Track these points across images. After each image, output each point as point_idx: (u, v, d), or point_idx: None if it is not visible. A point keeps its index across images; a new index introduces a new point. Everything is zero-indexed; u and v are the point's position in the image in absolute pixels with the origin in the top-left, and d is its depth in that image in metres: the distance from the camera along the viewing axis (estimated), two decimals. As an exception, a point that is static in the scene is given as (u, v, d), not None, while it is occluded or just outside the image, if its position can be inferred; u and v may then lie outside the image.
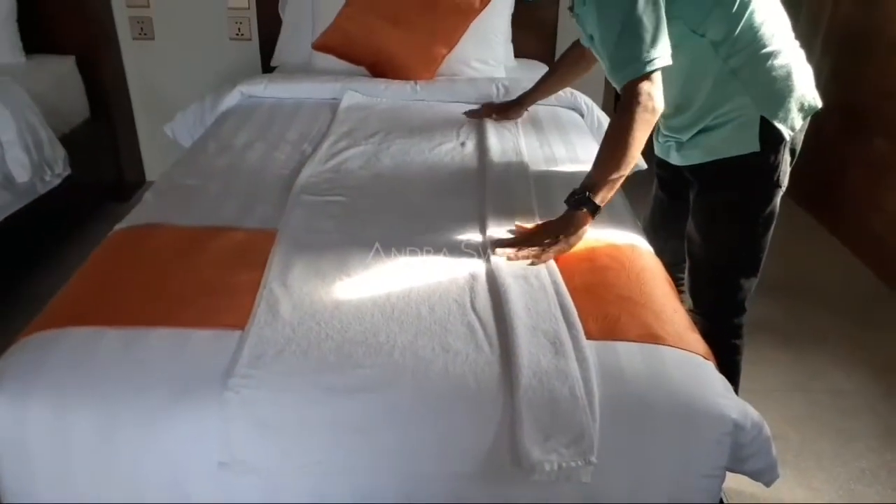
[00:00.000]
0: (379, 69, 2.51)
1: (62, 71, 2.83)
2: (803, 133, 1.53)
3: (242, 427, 1.08)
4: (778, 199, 1.54)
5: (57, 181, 2.51)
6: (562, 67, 2.02)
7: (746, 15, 1.40)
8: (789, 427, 1.96)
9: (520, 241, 1.44)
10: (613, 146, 1.40)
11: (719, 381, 1.17)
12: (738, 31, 1.40)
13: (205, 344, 1.17)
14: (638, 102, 1.34)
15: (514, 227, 1.51)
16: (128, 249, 1.47)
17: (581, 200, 1.42)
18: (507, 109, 2.16)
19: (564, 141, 2.06)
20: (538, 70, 2.79)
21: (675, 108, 1.50)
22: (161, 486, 1.11)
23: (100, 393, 1.10)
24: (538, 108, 2.28)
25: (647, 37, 1.32)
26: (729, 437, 1.10)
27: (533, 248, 1.40)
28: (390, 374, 1.11)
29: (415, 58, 2.49)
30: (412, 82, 2.43)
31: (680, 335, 1.23)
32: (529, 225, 1.50)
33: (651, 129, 1.39)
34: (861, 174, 2.86)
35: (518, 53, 2.83)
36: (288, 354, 1.14)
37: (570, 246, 1.43)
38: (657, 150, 1.71)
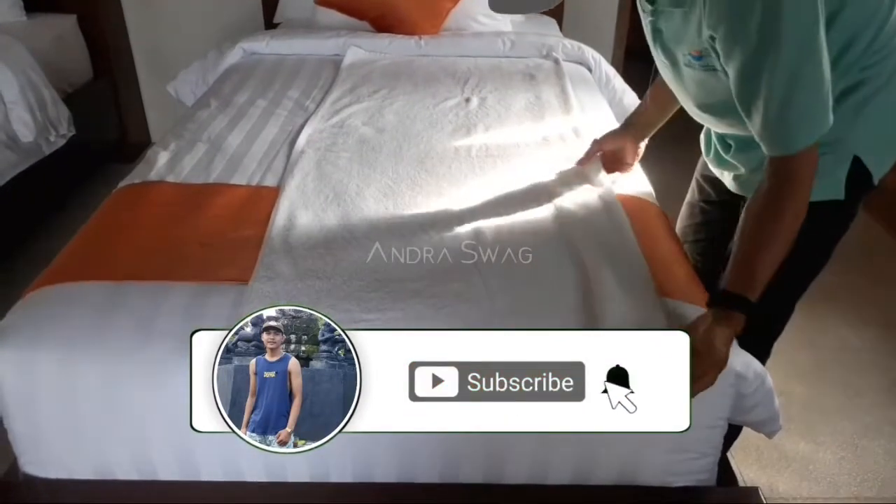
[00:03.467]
0: (383, 24, 2.47)
1: (63, 30, 2.80)
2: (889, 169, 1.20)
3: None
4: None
5: (62, 142, 2.51)
6: (660, 98, 1.44)
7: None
8: (796, 382, 1.96)
9: None
10: (760, 236, 1.05)
11: (723, 333, 1.16)
12: (875, 34, 1.08)
13: (208, 298, 1.17)
14: (808, 174, 1.04)
15: None
16: (131, 206, 1.47)
17: (741, 308, 1.04)
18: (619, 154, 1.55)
19: (573, 95, 2.03)
20: (546, 25, 2.76)
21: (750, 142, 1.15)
22: (166, 435, 1.13)
23: (105, 345, 1.11)
24: (543, 63, 2.25)
25: (823, 89, 1.01)
26: (731, 388, 1.10)
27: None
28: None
29: (419, 12, 2.45)
30: (416, 37, 2.39)
31: (683, 287, 1.22)
32: None
33: (795, 224, 1.06)
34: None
35: (525, 7, 2.77)
36: (291, 308, 1.14)
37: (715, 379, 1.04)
38: (712, 166, 1.36)
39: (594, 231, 1.34)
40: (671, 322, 1.13)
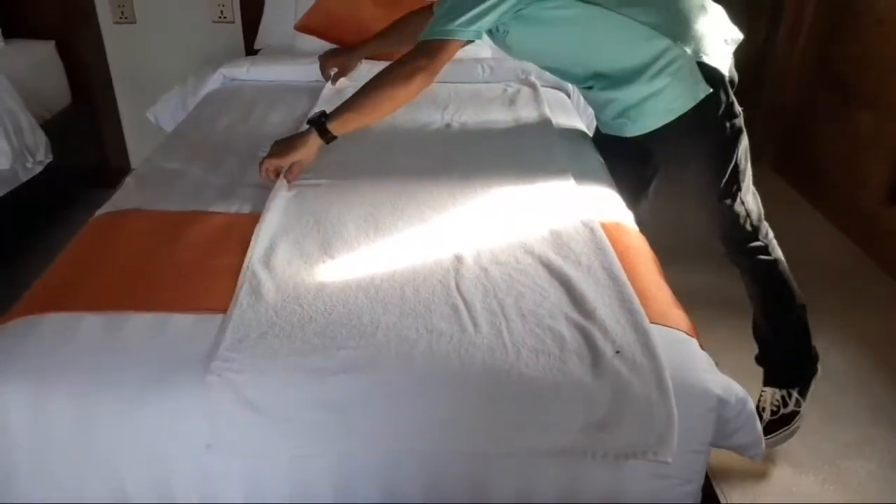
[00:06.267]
0: (363, 50, 2.48)
1: (42, 56, 2.79)
2: (733, 66, 1.56)
3: (226, 410, 1.07)
4: (743, 124, 1.56)
5: (39, 168, 2.48)
6: (407, 30, 1.89)
7: None
8: (776, 403, 1.96)
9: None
10: (379, 89, 1.47)
11: (703, 357, 1.17)
12: None
13: (186, 328, 1.16)
14: (423, 63, 1.43)
15: None
16: (108, 235, 1.46)
17: (317, 124, 1.50)
18: (345, 63, 2.15)
19: (552, 120, 2.04)
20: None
21: (614, 82, 1.52)
22: (142, 470, 1.11)
23: (80, 378, 1.09)
24: (522, 88, 2.27)
25: (472, 12, 1.40)
26: (713, 412, 1.10)
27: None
28: (374, 355, 1.11)
29: (399, 38, 2.46)
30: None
31: (664, 312, 1.23)
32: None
33: (412, 97, 1.46)
34: (846, 148, 2.86)
35: (504, 33, 2.80)
36: (271, 337, 1.13)
37: (282, 160, 1.53)
38: (606, 130, 1.70)
39: (578, 257, 1.34)
40: (666, 349, 1.13)
